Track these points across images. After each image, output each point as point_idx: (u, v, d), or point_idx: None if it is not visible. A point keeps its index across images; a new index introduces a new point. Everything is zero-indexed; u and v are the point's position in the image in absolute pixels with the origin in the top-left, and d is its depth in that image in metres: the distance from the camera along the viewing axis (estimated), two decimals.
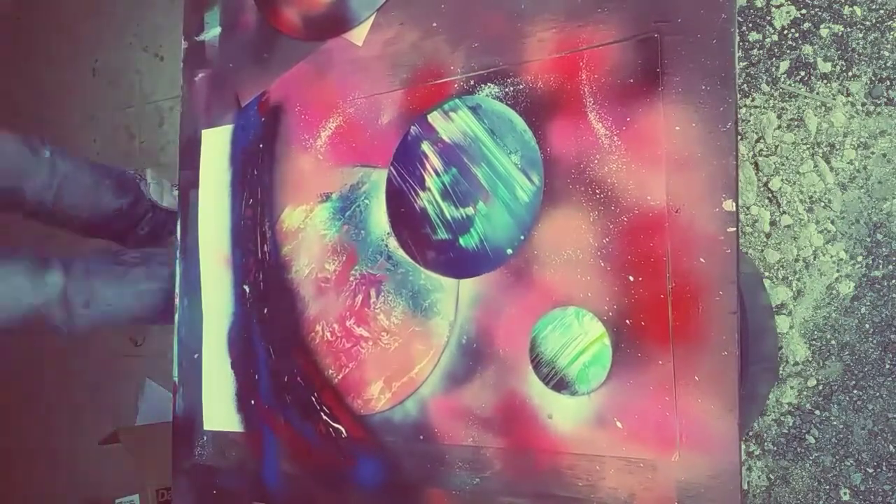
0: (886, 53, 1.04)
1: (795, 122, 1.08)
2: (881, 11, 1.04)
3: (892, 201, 1.03)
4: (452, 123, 0.69)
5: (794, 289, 1.07)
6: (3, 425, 1.80)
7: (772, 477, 1.08)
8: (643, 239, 0.59)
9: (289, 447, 0.79)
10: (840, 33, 1.06)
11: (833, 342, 1.05)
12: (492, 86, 0.67)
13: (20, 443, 1.81)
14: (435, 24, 0.71)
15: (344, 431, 0.75)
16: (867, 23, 1.05)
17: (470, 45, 0.69)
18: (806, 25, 1.08)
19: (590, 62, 0.62)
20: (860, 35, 1.05)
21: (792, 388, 1.07)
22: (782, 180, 1.09)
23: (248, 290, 0.84)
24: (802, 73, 1.08)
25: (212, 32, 0.90)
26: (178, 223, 0.92)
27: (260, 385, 0.82)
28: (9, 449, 1.79)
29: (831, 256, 1.06)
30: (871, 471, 1.02)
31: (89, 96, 1.80)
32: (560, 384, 0.62)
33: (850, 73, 1.06)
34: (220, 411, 0.85)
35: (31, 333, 1.20)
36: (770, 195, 1.09)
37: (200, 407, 0.87)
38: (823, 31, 1.07)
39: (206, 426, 0.86)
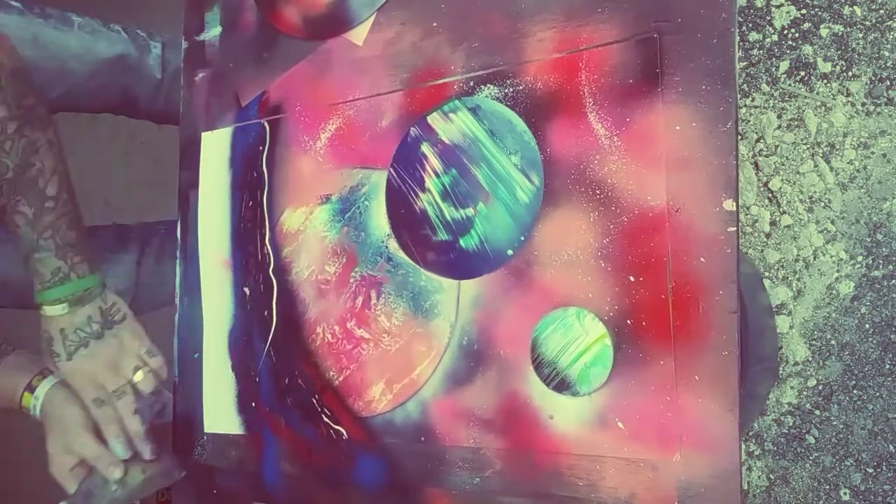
0: (886, 53, 1.04)
1: (795, 122, 1.08)
2: (881, 11, 1.04)
3: (892, 201, 1.03)
4: (452, 125, 0.69)
5: (794, 289, 1.07)
6: (3, 425, 1.80)
7: (772, 477, 1.08)
8: (643, 239, 0.59)
9: (289, 448, 0.79)
10: (840, 33, 1.06)
11: (833, 342, 1.05)
12: (491, 87, 0.67)
13: (20, 443, 1.81)
14: (435, 24, 0.71)
15: (345, 433, 0.75)
16: (867, 23, 1.05)
17: (470, 44, 0.69)
18: (806, 25, 1.08)
19: (589, 62, 0.62)
20: (860, 35, 1.05)
21: (792, 388, 1.07)
22: (782, 180, 1.09)
23: (248, 292, 0.84)
24: (802, 73, 1.08)
25: (212, 32, 0.90)
26: (179, 224, 0.92)
27: (261, 387, 0.82)
28: (9, 449, 1.79)
29: (831, 256, 1.06)
30: (871, 471, 1.02)
31: None
32: (561, 385, 0.62)
33: (850, 73, 1.06)
34: (220, 414, 0.85)
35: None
36: (770, 195, 1.09)
37: (200, 407, 0.87)
38: (823, 31, 1.07)
39: (207, 429, 0.86)
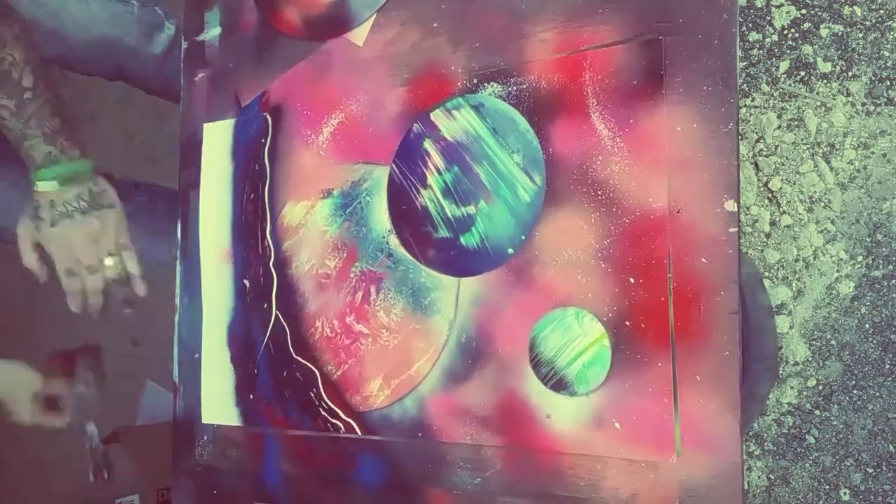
0: (886, 53, 1.04)
1: (795, 122, 1.08)
2: (881, 11, 1.04)
3: (892, 201, 1.03)
4: (455, 122, 0.69)
5: (794, 289, 1.08)
6: (3, 425, 1.79)
7: (772, 477, 1.08)
8: (644, 240, 0.59)
9: (289, 448, 0.79)
10: (840, 33, 1.06)
11: (833, 342, 1.05)
12: (495, 85, 0.67)
13: (20, 443, 1.80)
14: (436, 25, 0.71)
15: (342, 427, 0.75)
16: (867, 23, 1.05)
17: (471, 45, 0.69)
18: (806, 25, 1.08)
19: (593, 63, 0.62)
20: (860, 35, 1.05)
21: (792, 388, 1.07)
22: (782, 180, 1.09)
23: (248, 284, 0.84)
24: (802, 73, 1.08)
25: (212, 32, 0.90)
26: (178, 224, 0.92)
27: (259, 380, 0.82)
28: (9, 449, 1.79)
29: (831, 256, 1.06)
30: (871, 471, 1.02)
31: (90, 97, 1.80)
32: (559, 384, 0.62)
33: (850, 73, 1.06)
34: (218, 405, 0.85)
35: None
36: (770, 195, 1.09)
37: (200, 406, 0.87)
38: (823, 31, 1.07)
39: (205, 419, 0.86)
